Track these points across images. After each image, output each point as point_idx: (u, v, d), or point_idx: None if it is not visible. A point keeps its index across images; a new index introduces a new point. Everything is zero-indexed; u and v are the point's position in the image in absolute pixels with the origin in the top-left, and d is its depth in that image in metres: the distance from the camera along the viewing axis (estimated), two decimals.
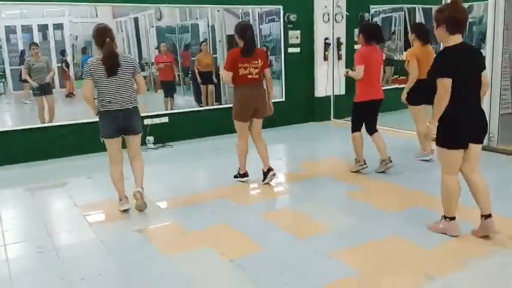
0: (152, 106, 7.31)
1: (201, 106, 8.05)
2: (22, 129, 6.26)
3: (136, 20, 7.75)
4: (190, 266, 3.12)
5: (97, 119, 4.01)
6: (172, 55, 8.02)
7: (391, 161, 4.89)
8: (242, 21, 7.27)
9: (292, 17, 7.88)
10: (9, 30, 6.79)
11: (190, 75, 8.48)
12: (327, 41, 8.18)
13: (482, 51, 4.02)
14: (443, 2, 5.88)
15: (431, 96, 3.13)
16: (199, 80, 8.07)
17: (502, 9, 5.49)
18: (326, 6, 8.10)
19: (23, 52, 7.00)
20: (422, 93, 4.86)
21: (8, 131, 6.17)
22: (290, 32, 7.99)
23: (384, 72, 9.05)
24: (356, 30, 8.24)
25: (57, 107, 7.00)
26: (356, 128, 4.93)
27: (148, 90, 6.71)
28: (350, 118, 7.97)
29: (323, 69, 8.29)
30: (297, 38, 8.04)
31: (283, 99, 8.05)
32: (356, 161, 5.03)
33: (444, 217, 3.33)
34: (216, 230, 3.71)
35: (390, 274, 2.88)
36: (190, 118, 7.39)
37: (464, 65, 3.07)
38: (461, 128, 3.13)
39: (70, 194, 4.82)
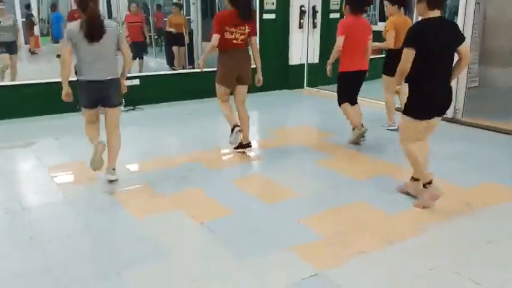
0: None
1: (173, 69, 7.91)
2: None
3: None
4: (160, 228, 3.14)
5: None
6: (144, 15, 7.79)
7: (363, 126, 4.91)
8: None
9: None
10: None
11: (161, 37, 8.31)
12: (302, 8, 8.09)
13: None
14: None
15: None
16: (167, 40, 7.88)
17: None
18: None
19: None
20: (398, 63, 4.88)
21: None
22: None
23: None
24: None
25: (22, 64, 6.74)
26: (342, 100, 4.91)
27: None
28: (323, 86, 7.91)
29: (298, 37, 8.24)
30: (273, 4, 7.90)
31: None
32: (353, 129, 4.95)
33: (424, 185, 3.41)
34: (187, 194, 3.73)
35: (354, 238, 3.00)
36: (162, 81, 7.25)
37: (431, 38, 3.13)
38: (431, 102, 3.25)
39: (37, 155, 4.71)
